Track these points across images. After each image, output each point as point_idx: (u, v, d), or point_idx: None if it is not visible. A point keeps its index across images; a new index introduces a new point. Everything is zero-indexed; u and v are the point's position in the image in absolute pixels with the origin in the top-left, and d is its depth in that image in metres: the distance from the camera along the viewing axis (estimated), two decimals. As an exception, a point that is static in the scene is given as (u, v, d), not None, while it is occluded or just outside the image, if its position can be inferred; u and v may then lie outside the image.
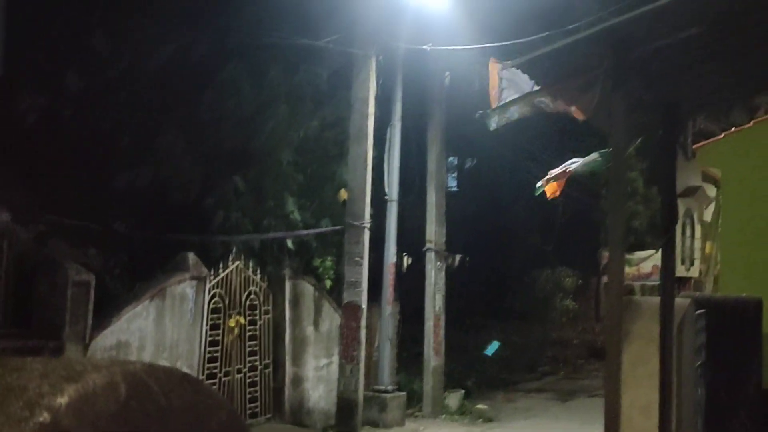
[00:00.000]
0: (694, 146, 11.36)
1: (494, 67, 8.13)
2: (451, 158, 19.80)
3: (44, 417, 1.47)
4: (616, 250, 5.44)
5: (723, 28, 5.23)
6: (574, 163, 8.26)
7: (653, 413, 6.23)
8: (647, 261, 20.10)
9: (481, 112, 7.43)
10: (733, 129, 13.54)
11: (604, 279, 22.49)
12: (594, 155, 8.07)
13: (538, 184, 8.60)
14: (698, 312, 8.22)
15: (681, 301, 7.10)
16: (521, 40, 11.85)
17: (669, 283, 6.66)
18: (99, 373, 1.60)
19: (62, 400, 1.51)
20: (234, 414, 2.08)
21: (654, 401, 6.24)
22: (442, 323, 13.30)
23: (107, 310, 9.22)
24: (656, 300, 7.15)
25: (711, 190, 19.02)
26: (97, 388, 1.57)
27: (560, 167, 8.52)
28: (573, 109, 6.33)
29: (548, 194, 9.15)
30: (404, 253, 19.61)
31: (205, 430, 1.84)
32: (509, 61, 5.12)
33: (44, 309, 8.52)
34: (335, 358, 12.19)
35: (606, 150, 8.15)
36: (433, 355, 13.25)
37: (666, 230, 6.43)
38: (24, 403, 1.49)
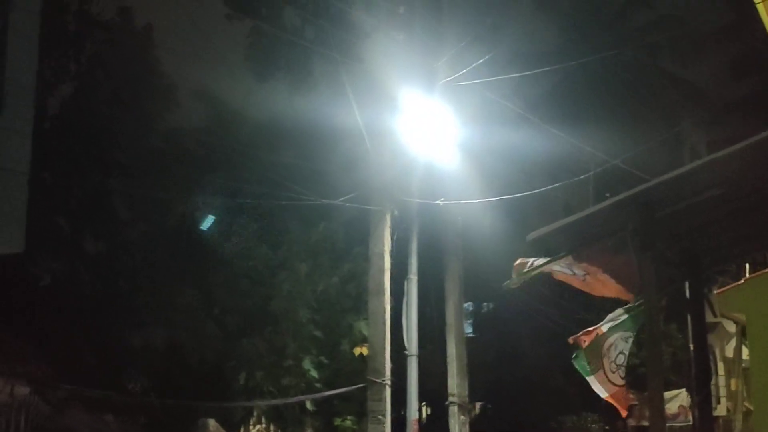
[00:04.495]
0: (716, 292, 11.29)
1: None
2: (466, 304, 19.71)
3: None
4: (656, 400, 5.35)
5: (739, 188, 5.38)
6: (604, 324, 8.20)
7: None
8: (673, 401, 19.55)
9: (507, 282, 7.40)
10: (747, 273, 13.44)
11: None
12: (620, 311, 8.01)
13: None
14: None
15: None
16: (532, 191, 12.15)
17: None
18: None
19: None
20: None
21: None
22: (469, 480, 12.84)
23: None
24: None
25: (730, 326, 18.76)
26: None
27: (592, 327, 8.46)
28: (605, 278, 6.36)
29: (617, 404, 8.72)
30: (423, 403, 19.17)
31: None
32: (533, 234, 5.17)
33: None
34: None
35: (631, 305, 8.09)
36: None
37: (703, 386, 6.32)
38: None
